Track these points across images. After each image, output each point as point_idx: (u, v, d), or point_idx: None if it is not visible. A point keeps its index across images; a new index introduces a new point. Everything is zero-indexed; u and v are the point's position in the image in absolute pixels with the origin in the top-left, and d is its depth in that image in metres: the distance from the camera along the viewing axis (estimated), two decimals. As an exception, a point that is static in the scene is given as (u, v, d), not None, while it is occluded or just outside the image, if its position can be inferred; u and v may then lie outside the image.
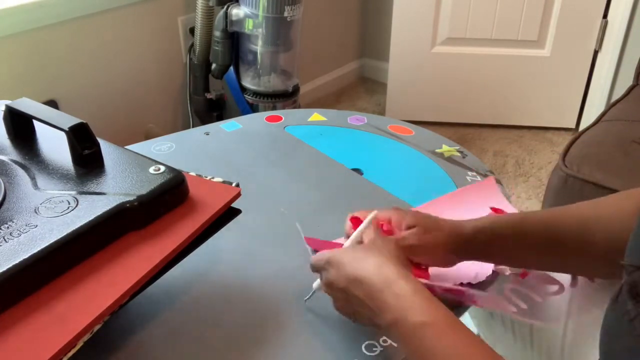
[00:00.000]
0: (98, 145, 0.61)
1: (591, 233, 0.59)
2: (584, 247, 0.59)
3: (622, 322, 0.48)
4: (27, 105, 0.64)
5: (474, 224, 0.62)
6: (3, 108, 0.66)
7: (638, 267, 0.47)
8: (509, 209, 0.77)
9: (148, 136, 1.72)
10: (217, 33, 1.66)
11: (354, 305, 0.54)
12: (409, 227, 0.62)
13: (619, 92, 1.73)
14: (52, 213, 0.53)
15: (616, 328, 0.50)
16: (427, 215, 0.64)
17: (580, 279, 0.71)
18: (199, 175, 0.65)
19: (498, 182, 0.85)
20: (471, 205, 0.76)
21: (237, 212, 0.61)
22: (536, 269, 0.69)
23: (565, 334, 0.71)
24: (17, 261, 0.47)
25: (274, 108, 1.72)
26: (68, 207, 0.53)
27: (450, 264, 0.64)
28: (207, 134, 0.96)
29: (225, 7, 1.62)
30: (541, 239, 0.61)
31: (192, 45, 1.75)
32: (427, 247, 0.61)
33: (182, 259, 0.56)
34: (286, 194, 0.80)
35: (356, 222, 0.65)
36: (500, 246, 0.62)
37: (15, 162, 0.61)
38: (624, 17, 1.91)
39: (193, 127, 1.74)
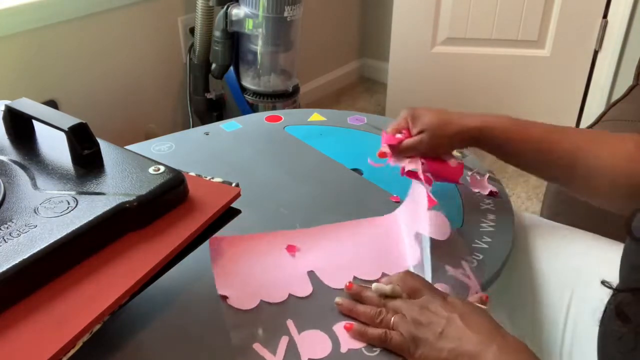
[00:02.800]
0: (98, 145, 0.61)
1: (581, 164, 0.67)
2: (573, 171, 0.68)
3: (611, 339, 0.50)
4: (27, 105, 0.64)
5: (479, 121, 0.71)
6: (3, 108, 0.66)
7: (622, 290, 0.49)
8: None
9: (148, 136, 1.72)
10: (217, 33, 1.66)
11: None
12: (419, 132, 0.73)
13: (619, 92, 1.73)
14: (52, 213, 0.53)
15: (607, 344, 0.51)
16: (438, 113, 0.75)
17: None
18: (199, 175, 0.64)
19: (498, 182, 0.85)
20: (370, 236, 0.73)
21: (237, 212, 0.61)
22: (530, 172, 0.76)
23: (564, 337, 0.71)
24: (16, 261, 0.47)
25: (274, 108, 1.72)
26: (68, 207, 0.53)
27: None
28: (207, 134, 0.96)
29: (225, 7, 1.62)
30: (535, 151, 0.70)
31: (192, 45, 1.75)
32: (435, 146, 0.73)
33: (182, 259, 0.56)
34: (286, 194, 0.80)
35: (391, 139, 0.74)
36: (499, 146, 0.71)
37: (15, 162, 0.61)
38: (624, 17, 1.91)
39: (193, 127, 1.74)
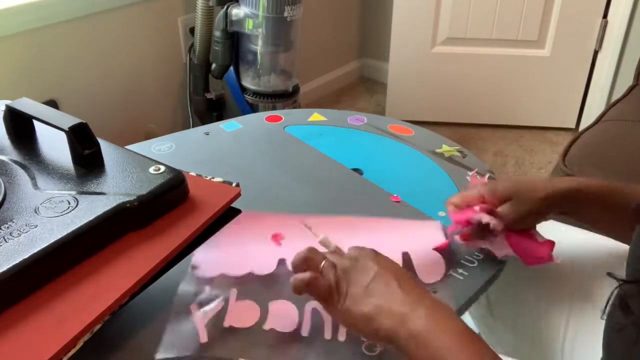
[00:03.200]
0: (98, 145, 0.61)
1: None
2: None
3: (614, 331, 0.49)
4: (27, 105, 0.64)
5: (567, 185, 0.64)
6: (3, 108, 0.66)
7: (628, 281, 0.48)
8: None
9: (148, 136, 1.72)
10: (217, 33, 1.66)
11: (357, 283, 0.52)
12: (503, 200, 0.64)
13: (619, 92, 1.73)
14: (52, 213, 0.53)
15: (610, 336, 0.51)
16: (519, 180, 0.65)
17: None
18: (199, 175, 0.65)
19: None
20: (409, 240, 0.71)
21: (237, 212, 0.61)
22: (616, 238, 0.70)
23: (566, 333, 0.71)
24: (17, 261, 0.47)
25: (274, 108, 1.72)
26: (68, 207, 0.53)
27: (544, 219, 0.66)
28: (207, 134, 0.96)
29: (225, 7, 1.62)
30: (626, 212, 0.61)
31: (192, 45, 1.75)
32: (524, 216, 0.63)
33: (182, 259, 0.56)
34: (286, 194, 0.80)
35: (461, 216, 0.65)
36: (587, 210, 0.65)
37: (15, 162, 0.61)
38: (624, 17, 1.91)
39: (193, 127, 1.74)
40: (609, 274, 0.50)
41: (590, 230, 0.73)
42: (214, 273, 0.64)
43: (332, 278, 0.53)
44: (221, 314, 0.59)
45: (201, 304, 0.60)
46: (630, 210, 0.59)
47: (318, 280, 0.53)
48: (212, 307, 0.59)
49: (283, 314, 0.59)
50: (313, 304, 0.60)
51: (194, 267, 0.64)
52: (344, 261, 0.54)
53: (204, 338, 0.56)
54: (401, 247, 0.68)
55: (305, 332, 0.58)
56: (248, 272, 0.64)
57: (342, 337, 0.57)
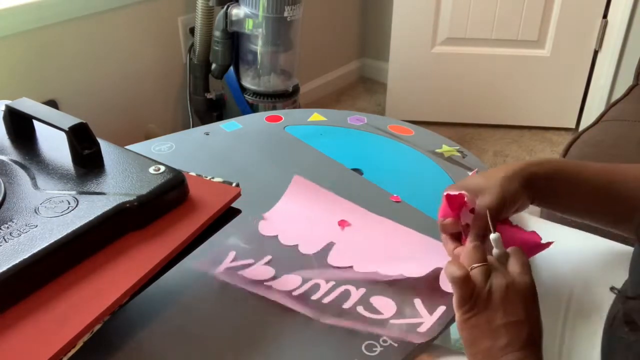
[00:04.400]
0: (98, 145, 0.61)
1: None
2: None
3: (619, 347, 0.49)
4: (27, 105, 0.64)
5: (535, 169, 0.62)
6: (3, 108, 0.66)
7: (632, 297, 0.48)
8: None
9: (148, 136, 1.72)
10: (217, 33, 1.66)
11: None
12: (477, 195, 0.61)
13: (619, 92, 1.73)
14: (52, 213, 0.53)
15: (614, 351, 0.51)
16: (487, 171, 0.64)
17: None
18: (199, 175, 0.65)
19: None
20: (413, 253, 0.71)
21: (237, 212, 0.61)
22: (588, 221, 0.68)
23: (563, 335, 0.71)
24: (17, 261, 0.47)
25: (274, 108, 1.72)
26: (68, 207, 0.53)
27: (524, 207, 0.64)
28: (207, 134, 0.96)
29: (225, 7, 1.62)
30: (599, 191, 0.62)
31: (192, 45, 1.75)
32: (497, 203, 0.60)
33: (182, 259, 0.56)
34: (286, 194, 0.80)
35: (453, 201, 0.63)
36: (562, 191, 0.63)
37: (15, 162, 0.61)
38: (624, 17, 1.91)
39: (193, 127, 1.74)
40: (612, 289, 0.50)
41: (587, 229, 0.72)
42: (271, 232, 0.72)
43: (481, 287, 0.51)
44: (244, 267, 0.66)
45: (238, 254, 0.68)
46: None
47: (469, 282, 0.51)
48: (241, 261, 0.67)
49: (288, 281, 0.64)
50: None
51: (263, 218, 0.74)
52: (500, 280, 0.52)
53: (219, 270, 0.65)
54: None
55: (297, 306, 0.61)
56: (295, 244, 0.70)
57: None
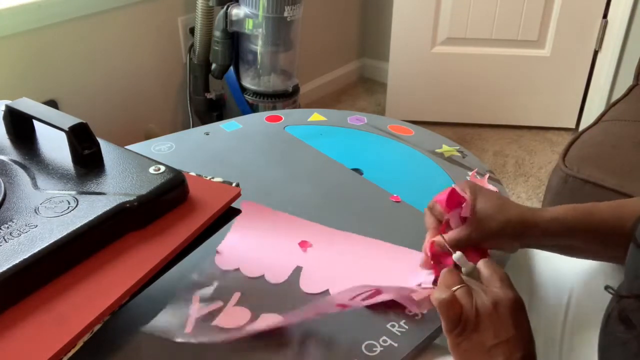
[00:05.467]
0: (98, 145, 0.61)
1: None
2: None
3: (614, 345, 0.49)
4: (27, 105, 0.64)
5: (544, 215, 0.61)
6: (3, 108, 0.66)
7: (626, 296, 0.48)
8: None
9: (148, 136, 1.72)
10: (217, 33, 1.66)
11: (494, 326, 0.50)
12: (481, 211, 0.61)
13: (619, 92, 1.73)
14: (52, 213, 0.53)
15: (609, 349, 0.51)
16: (492, 198, 0.62)
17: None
18: (199, 175, 0.65)
19: (498, 182, 0.85)
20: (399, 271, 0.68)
21: (237, 212, 0.61)
22: (602, 259, 0.68)
23: (563, 336, 0.71)
24: (17, 261, 0.47)
25: (274, 108, 1.72)
26: (68, 207, 0.53)
27: (512, 250, 0.63)
28: (207, 134, 0.96)
29: (225, 7, 1.62)
30: (611, 231, 0.60)
31: (192, 45, 1.75)
32: (490, 235, 0.60)
33: (182, 259, 0.56)
34: (286, 194, 0.80)
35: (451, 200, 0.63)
36: (570, 237, 0.61)
37: (15, 162, 0.61)
38: (624, 17, 1.91)
39: (193, 127, 1.74)
40: (607, 288, 0.50)
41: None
42: (231, 266, 0.66)
43: (469, 308, 0.51)
44: (215, 313, 0.60)
45: (203, 299, 0.61)
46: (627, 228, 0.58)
47: (456, 304, 0.51)
48: (210, 306, 0.60)
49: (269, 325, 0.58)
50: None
51: (217, 252, 0.68)
52: (484, 299, 0.51)
53: (189, 329, 0.58)
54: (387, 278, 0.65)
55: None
56: (261, 274, 0.65)
57: None
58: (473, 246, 0.61)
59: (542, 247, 0.64)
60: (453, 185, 0.63)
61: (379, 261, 0.69)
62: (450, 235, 0.62)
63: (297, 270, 0.66)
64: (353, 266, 0.68)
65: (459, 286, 0.52)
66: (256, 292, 0.63)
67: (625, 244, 0.56)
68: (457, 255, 0.58)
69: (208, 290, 0.63)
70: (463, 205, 0.62)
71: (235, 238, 0.70)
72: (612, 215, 0.61)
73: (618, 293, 0.50)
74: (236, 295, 0.62)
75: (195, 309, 0.60)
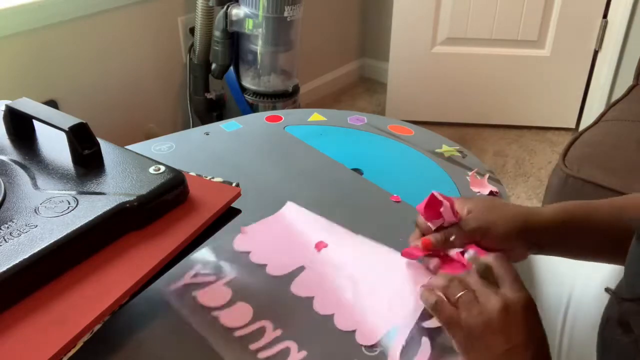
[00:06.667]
0: (98, 145, 0.61)
1: None
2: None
3: (612, 348, 0.49)
4: (27, 105, 0.64)
5: (541, 208, 0.60)
6: (3, 108, 0.66)
7: (627, 299, 0.48)
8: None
9: (148, 136, 1.72)
10: (217, 33, 1.66)
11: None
12: (469, 212, 0.60)
13: (619, 92, 1.73)
14: (52, 213, 0.53)
15: (607, 353, 0.50)
16: (491, 198, 0.62)
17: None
18: (199, 175, 0.65)
19: (498, 182, 0.85)
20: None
21: (237, 212, 0.61)
22: (603, 261, 0.66)
23: (562, 337, 0.71)
24: (17, 261, 0.47)
25: (274, 108, 1.72)
26: (68, 207, 0.53)
27: (521, 257, 0.61)
28: (207, 134, 0.96)
29: (225, 7, 1.62)
30: (612, 230, 0.59)
31: (192, 45, 1.76)
32: (490, 228, 0.58)
33: (182, 259, 0.56)
34: (286, 194, 0.80)
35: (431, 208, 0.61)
36: (572, 237, 0.60)
37: (15, 162, 0.61)
38: (624, 17, 1.91)
39: (193, 127, 1.74)
40: (607, 290, 0.50)
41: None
42: (244, 248, 0.68)
43: (469, 319, 0.50)
44: (202, 286, 0.62)
45: (202, 267, 0.64)
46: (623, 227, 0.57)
47: (444, 306, 0.51)
48: (200, 277, 0.63)
49: (236, 314, 0.59)
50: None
51: (241, 231, 0.70)
52: (494, 302, 0.50)
53: (173, 286, 0.61)
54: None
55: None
56: (265, 264, 0.66)
57: None
58: (483, 249, 0.60)
59: (542, 246, 0.64)
60: (433, 192, 0.62)
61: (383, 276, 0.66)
62: (431, 235, 0.61)
63: (299, 270, 0.66)
64: (355, 275, 0.65)
65: (462, 292, 0.52)
66: (248, 279, 0.64)
67: (624, 238, 0.56)
68: (469, 253, 0.58)
69: (211, 263, 0.65)
70: (441, 210, 0.61)
71: (265, 224, 0.72)
72: (610, 207, 0.61)
73: (617, 294, 0.50)
74: (228, 277, 0.63)
75: (190, 274, 0.63)
